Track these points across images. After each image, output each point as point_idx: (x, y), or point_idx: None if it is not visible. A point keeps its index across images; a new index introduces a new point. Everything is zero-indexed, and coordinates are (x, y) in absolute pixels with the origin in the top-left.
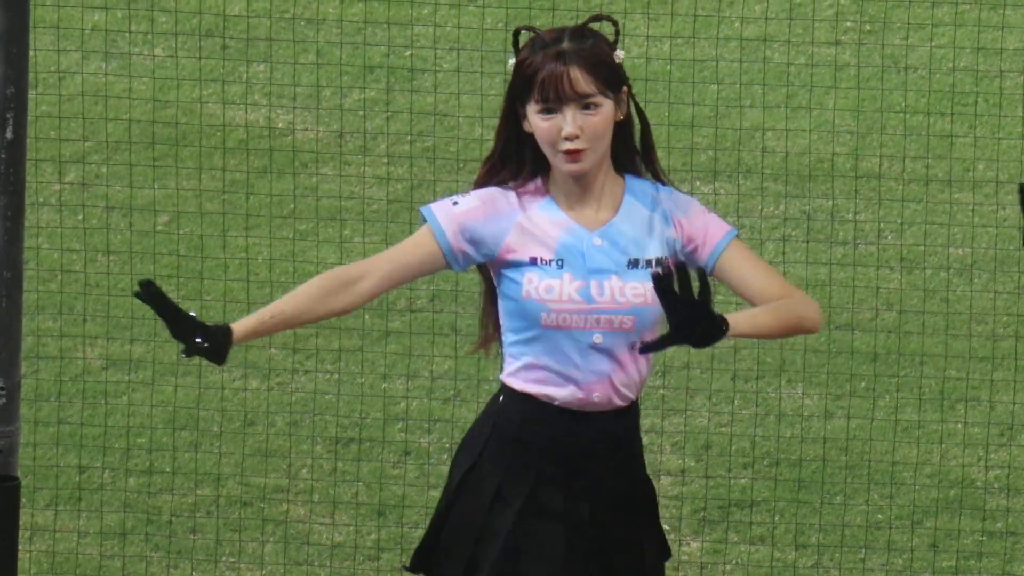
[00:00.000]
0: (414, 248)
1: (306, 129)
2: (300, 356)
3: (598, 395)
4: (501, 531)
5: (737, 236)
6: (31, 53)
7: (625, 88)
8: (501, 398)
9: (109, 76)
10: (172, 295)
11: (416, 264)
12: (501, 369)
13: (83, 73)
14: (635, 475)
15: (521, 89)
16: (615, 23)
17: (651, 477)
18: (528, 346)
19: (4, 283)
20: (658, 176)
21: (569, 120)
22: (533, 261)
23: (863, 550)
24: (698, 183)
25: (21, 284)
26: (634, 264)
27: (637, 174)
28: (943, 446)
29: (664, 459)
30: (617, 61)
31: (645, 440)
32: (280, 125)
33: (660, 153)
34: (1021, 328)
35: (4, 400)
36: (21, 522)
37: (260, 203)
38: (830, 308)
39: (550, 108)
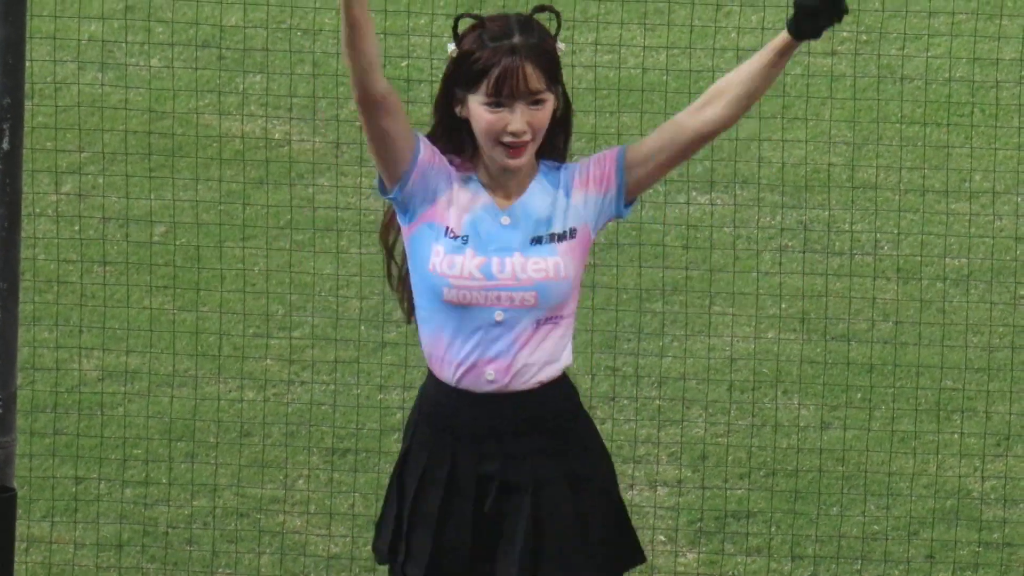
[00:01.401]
0: (407, 128)
1: (303, 140)
2: (296, 367)
3: (492, 373)
4: (430, 512)
5: (629, 145)
6: (27, 64)
7: (560, 84)
8: (425, 381)
9: (105, 87)
10: (168, 306)
11: (397, 124)
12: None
13: (79, 84)
14: (567, 458)
15: (467, 79)
16: (558, 14)
17: (650, 485)
18: (430, 321)
19: (0, 294)
20: (564, 159)
21: (518, 116)
22: (446, 231)
23: (859, 561)
24: (694, 193)
25: (17, 295)
26: (537, 241)
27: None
28: (939, 457)
29: (660, 470)
30: (559, 55)
31: (641, 450)
32: (276, 136)
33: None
34: (1017, 339)
35: (0, 411)
36: (17, 533)
37: (257, 214)
38: (826, 319)
39: (500, 103)
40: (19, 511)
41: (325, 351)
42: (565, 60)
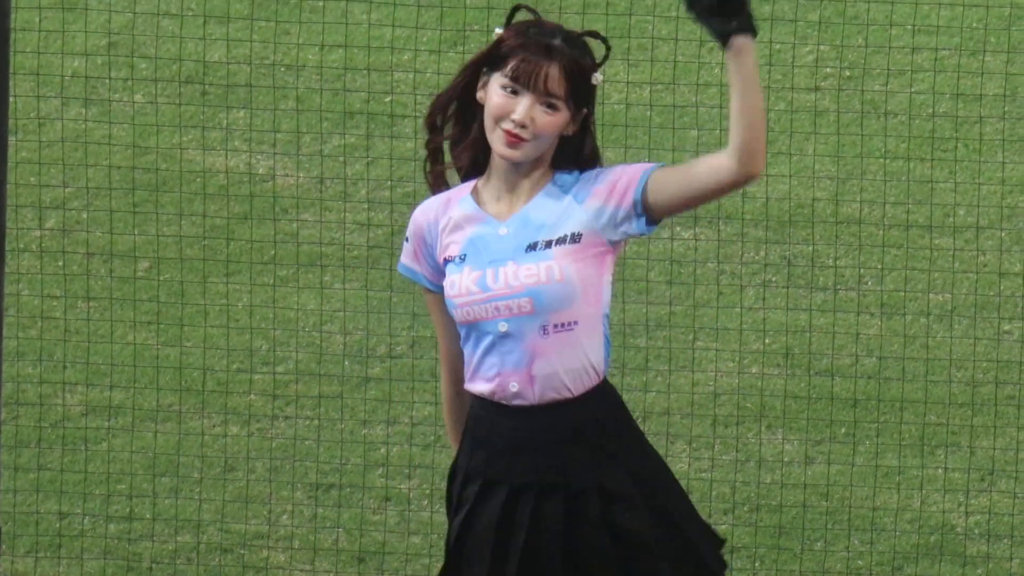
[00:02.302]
0: (439, 312)
1: (286, 175)
2: (280, 402)
3: (515, 385)
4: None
5: (662, 167)
6: (11, 99)
7: (586, 109)
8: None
9: (89, 122)
10: (152, 342)
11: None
12: None
13: (63, 119)
14: (608, 468)
15: (495, 59)
16: (608, 45)
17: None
18: (465, 345)
19: None
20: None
21: (523, 107)
22: (446, 261)
23: None
24: (678, 228)
25: (1, 330)
26: (532, 247)
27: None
28: (923, 492)
29: None
30: (593, 83)
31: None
32: (260, 171)
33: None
34: (1001, 374)
35: None
36: (1, 569)
37: (240, 249)
38: (810, 354)
39: (514, 89)
40: (3, 547)
41: (309, 386)
42: None
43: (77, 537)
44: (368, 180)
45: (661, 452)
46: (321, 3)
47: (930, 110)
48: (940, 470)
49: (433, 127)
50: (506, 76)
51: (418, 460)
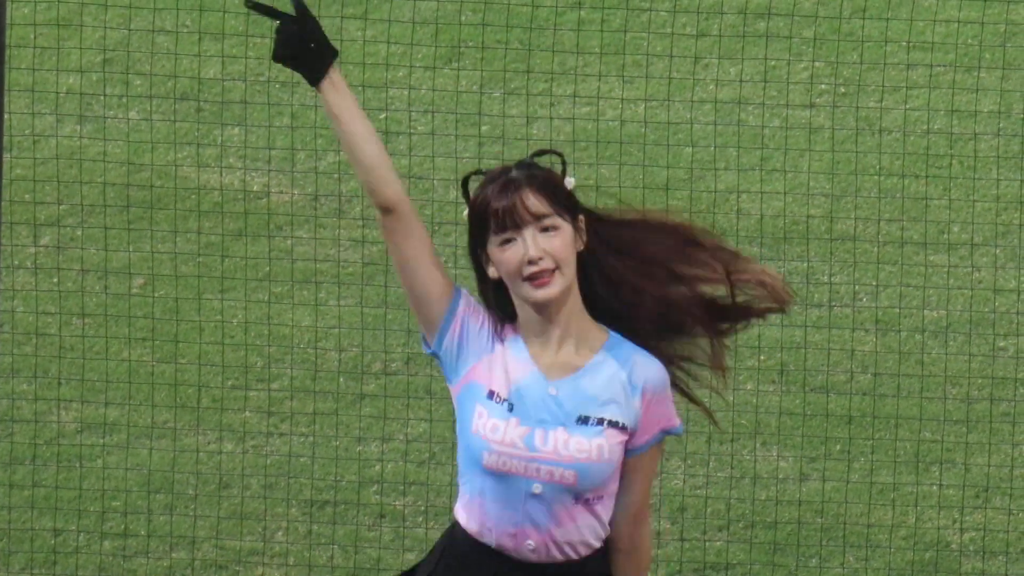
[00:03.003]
0: (439, 266)
1: (281, 192)
2: (275, 419)
3: (532, 543)
4: None
5: (671, 435)
6: (5, 116)
7: (582, 216)
8: (453, 528)
9: (84, 139)
10: (147, 358)
11: (428, 268)
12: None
13: (58, 136)
14: None
15: (479, 229)
16: (561, 155)
17: None
18: (475, 483)
19: None
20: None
21: (530, 243)
22: (490, 395)
23: None
24: None
25: None
26: (583, 421)
27: (620, 323)
28: (918, 508)
29: None
30: (568, 188)
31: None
32: (255, 188)
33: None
34: (995, 391)
35: None
36: None
37: (235, 266)
38: (805, 371)
39: (508, 238)
40: None
41: (304, 403)
42: (543, 112)
43: (72, 554)
44: (363, 197)
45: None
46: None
47: (925, 127)
48: (935, 487)
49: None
50: (496, 233)
51: (413, 477)
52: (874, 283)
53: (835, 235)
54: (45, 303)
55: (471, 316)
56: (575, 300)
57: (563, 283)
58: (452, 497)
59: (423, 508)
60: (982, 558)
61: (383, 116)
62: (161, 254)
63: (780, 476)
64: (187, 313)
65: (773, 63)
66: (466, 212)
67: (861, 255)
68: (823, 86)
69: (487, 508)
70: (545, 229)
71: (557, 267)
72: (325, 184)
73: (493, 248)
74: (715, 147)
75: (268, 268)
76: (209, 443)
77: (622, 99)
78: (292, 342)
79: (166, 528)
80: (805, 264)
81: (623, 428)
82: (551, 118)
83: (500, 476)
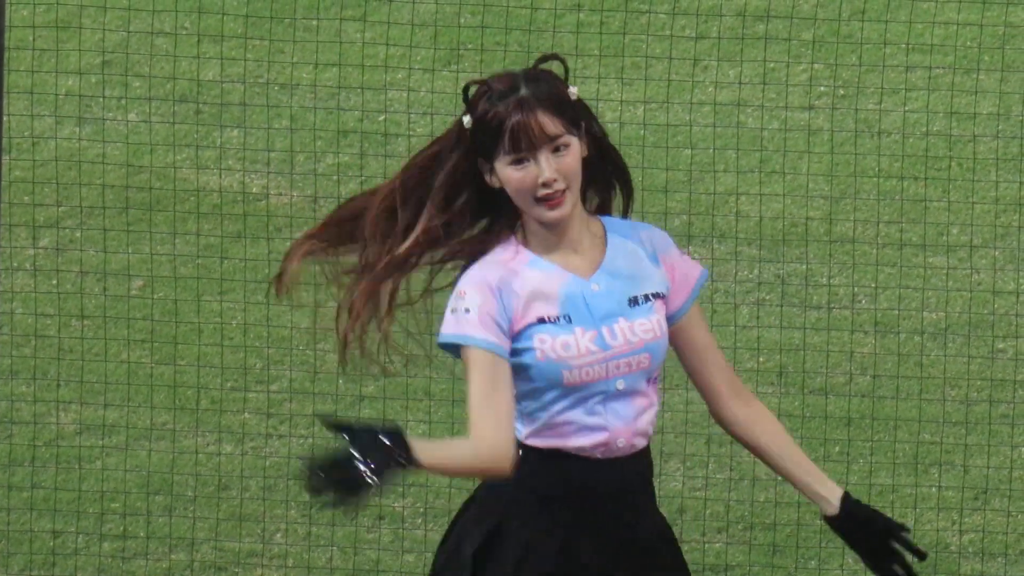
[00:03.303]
0: (495, 377)
1: (280, 194)
2: (274, 421)
3: (622, 440)
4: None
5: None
6: (4, 118)
7: (584, 123)
8: (524, 462)
9: (83, 141)
10: (146, 360)
11: (511, 384)
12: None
13: (57, 138)
14: (658, 513)
15: (486, 144)
16: (563, 61)
17: None
18: (551, 406)
19: None
20: (627, 211)
21: (544, 165)
22: (541, 320)
23: None
24: None
25: None
26: (634, 302)
27: (609, 212)
28: (917, 510)
29: None
30: (572, 99)
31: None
32: (254, 190)
33: (634, 219)
34: (995, 392)
35: None
36: None
37: (234, 268)
38: (804, 373)
39: (522, 158)
40: None
41: (303, 405)
42: None
43: (71, 555)
44: None
45: (655, 470)
46: (315, 22)
47: (924, 129)
48: (934, 488)
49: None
50: (508, 154)
51: (412, 479)
52: (873, 285)
53: (834, 237)
54: (44, 305)
55: (494, 319)
56: (580, 207)
57: (573, 200)
58: (451, 498)
59: (422, 510)
60: (981, 560)
61: (382, 118)
62: (160, 256)
63: (779, 478)
64: (186, 315)
65: (772, 65)
66: (467, 119)
67: (860, 257)
68: (822, 88)
69: (570, 426)
70: (557, 149)
71: (568, 187)
72: (324, 186)
73: (502, 165)
74: (714, 149)
75: (267, 270)
76: (208, 445)
77: (621, 101)
78: (291, 344)
79: (165, 530)
80: (804, 266)
81: (663, 297)
82: None
83: (580, 388)
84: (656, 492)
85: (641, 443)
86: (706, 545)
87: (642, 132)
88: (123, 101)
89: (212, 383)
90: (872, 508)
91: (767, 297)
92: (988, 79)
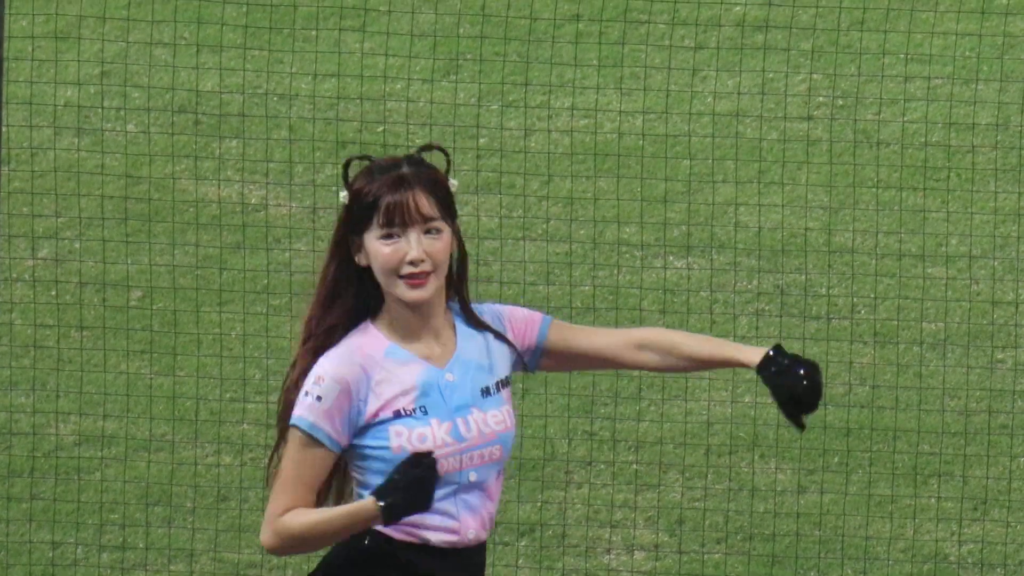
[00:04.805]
0: (314, 469)
1: (279, 205)
2: (273, 431)
3: (472, 533)
4: None
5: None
6: (3, 129)
7: (455, 221)
8: (367, 541)
9: (82, 152)
10: (145, 371)
11: (322, 477)
12: None
13: (56, 149)
14: None
15: (359, 217)
16: (446, 152)
17: (627, 550)
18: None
19: None
20: (465, 302)
21: (414, 243)
22: (397, 414)
23: None
24: (671, 258)
25: None
26: (486, 392)
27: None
28: (916, 521)
29: (637, 534)
30: (452, 191)
31: (618, 515)
32: (253, 200)
33: (634, 228)
34: (994, 403)
35: None
36: None
37: (233, 278)
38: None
39: (393, 233)
40: None
41: None
42: (541, 124)
43: (70, 566)
44: None
45: (654, 481)
46: (314, 32)
47: (923, 139)
48: (933, 499)
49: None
50: (380, 227)
51: None
52: (872, 295)
53: (833, 247)
54: (43, 316)
55: (342, 417)
56: (441, 295)
57: (436, 285)
58: None
59: None
60: (980, 570)
61: (381, 129)
62: (159, 267)
63: (778, 488)
64: (185, 326)
65: (771, 75)
66: (344, 195)
67: (859, 267)
68: (821, 98)
69: (423, 518)
70: (428, 231)
71: (434, 270)
72: (323, 196)
73: (372, 240)
74: (713, 160)
75: (266, 280)
76: (207, 456)
77: (620, 111)
78: (290, 354)
79: (164, 541)
80: (803, 276)
81: (508, 381)
82: (549, 131)
83: (446, 476)
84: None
85: (484, 535)
86: (705, 556)
87: (641, 142)
88: (122, 112)
89: (211, 394)
90: (794, 357)
91: (766, 307)
92: (987, 90)
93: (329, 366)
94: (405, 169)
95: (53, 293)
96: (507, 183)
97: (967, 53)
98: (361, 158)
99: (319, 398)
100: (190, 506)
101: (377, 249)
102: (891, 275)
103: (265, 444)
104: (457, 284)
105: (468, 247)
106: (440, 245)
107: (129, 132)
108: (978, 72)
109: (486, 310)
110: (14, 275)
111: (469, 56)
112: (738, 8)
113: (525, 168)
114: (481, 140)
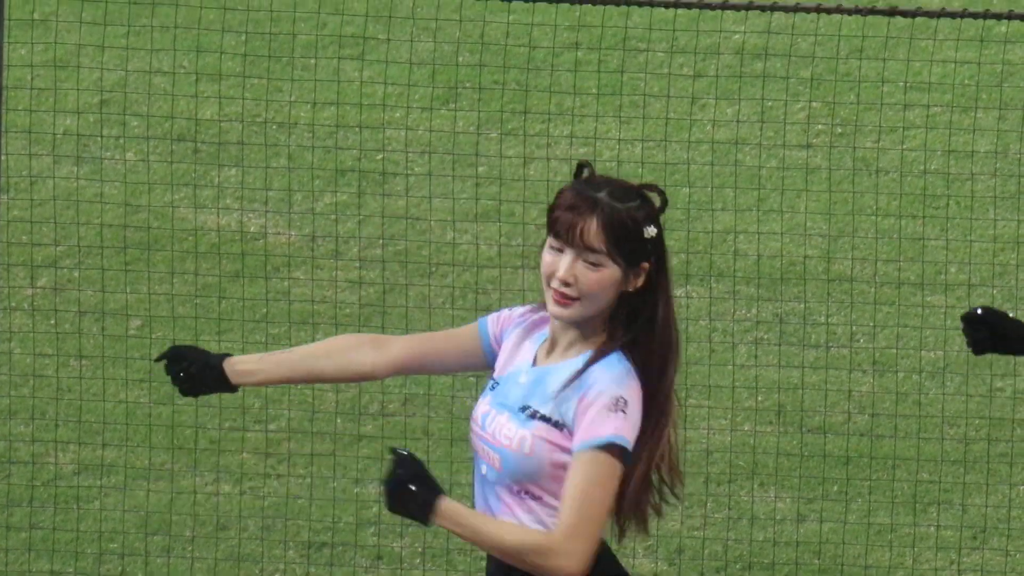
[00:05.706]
0: (453, 335)
1: (278, 233)
2: (272, 460)
3: None
4: None
5: (603, 449)
6: (2, 157)
7: (647, 263)
8: None
9: (81, 180)
10: (144, 400)
11: (453, 351)
12: None
13: (55, 177)
14: None
15: (548, 219)
16: (664, 198)
17: None
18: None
19: None
20: (604, 353)
21: (565, 265)
22: (491, 378)
23: None
24: None
25: None
26: (524, 409)
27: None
28: (916, 550)
29: (636, 563)
30: (645, 236)
31: (614, 545)
32: (252, 229)
33: None
34: (993, 431)
35: None
36: None
37: (232, 307)
38: (802, 411)
39: (559, 247)
40: None
41: (301, 444)
42: (540, 152)
43: None
44: (360, 238)
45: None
46: (313, 60)
47: (922, 167)
48: (932, 528)
49: None
50: (551, 235)
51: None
52: (871, 324)
53: (832, 276)
54: (42, 345)
55: (501, 329)
56: (596, 326)
57: (581, 312)
58: (449, 539)
59: (420, 550)
60: None
61: (380, 157)
62: (158, 295)
63: (777, 517)
64: None
65: (770, 103)
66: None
67: (858, 296)
68: (820, 126)
69: (474, 489)
70: (589, 260)
71: (579, 297)
72: (322, 225)
73: (546, 244)
74: (712, 188)
75: (265, 309)
76: (206, 485)
77: (619, 139)
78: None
79: (163, 570)
80: (802, 305)
81: (555, 424)
82: (548, 159)
83: (475, 454)
84: None
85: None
86: None
87: (640, 170)
88: (121, 140)
89: (210, 423)
90: None
91: (765, 336)
92: (986, 117)
93: (516, 309)
94: (600, 194)
95: (52, 322)
96: (506, 211)
97: (966, 81)
98: (588, 165)
99: (510, 308)
100: (189, 535)
101: (544, 253)
102: (890, 303)
103: (264, 473)
104: (625, 334)
105: (468, 275)
106: (594, 277)
107: (128, 160)
108: (977, 100)
109: (603, 372)
110: (13, 304)
111: (468, 84)
112: (737, 36)
113: (524, 196)
114: (480, 168)
